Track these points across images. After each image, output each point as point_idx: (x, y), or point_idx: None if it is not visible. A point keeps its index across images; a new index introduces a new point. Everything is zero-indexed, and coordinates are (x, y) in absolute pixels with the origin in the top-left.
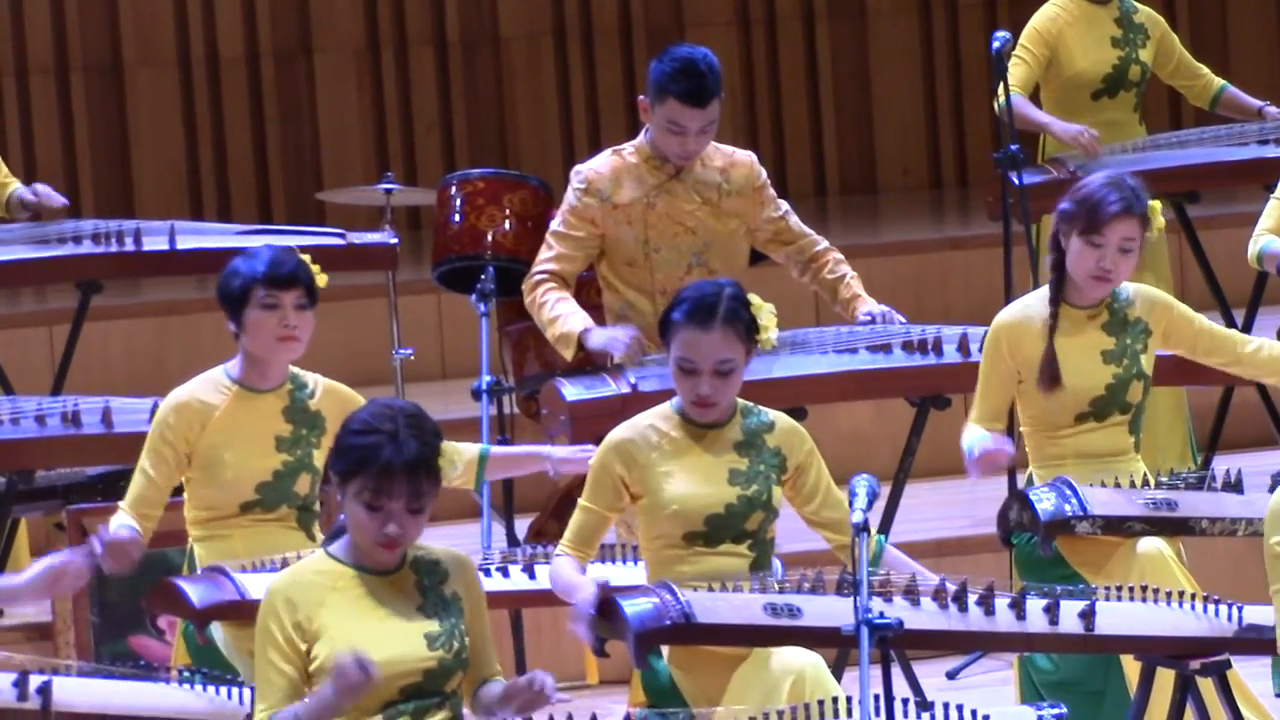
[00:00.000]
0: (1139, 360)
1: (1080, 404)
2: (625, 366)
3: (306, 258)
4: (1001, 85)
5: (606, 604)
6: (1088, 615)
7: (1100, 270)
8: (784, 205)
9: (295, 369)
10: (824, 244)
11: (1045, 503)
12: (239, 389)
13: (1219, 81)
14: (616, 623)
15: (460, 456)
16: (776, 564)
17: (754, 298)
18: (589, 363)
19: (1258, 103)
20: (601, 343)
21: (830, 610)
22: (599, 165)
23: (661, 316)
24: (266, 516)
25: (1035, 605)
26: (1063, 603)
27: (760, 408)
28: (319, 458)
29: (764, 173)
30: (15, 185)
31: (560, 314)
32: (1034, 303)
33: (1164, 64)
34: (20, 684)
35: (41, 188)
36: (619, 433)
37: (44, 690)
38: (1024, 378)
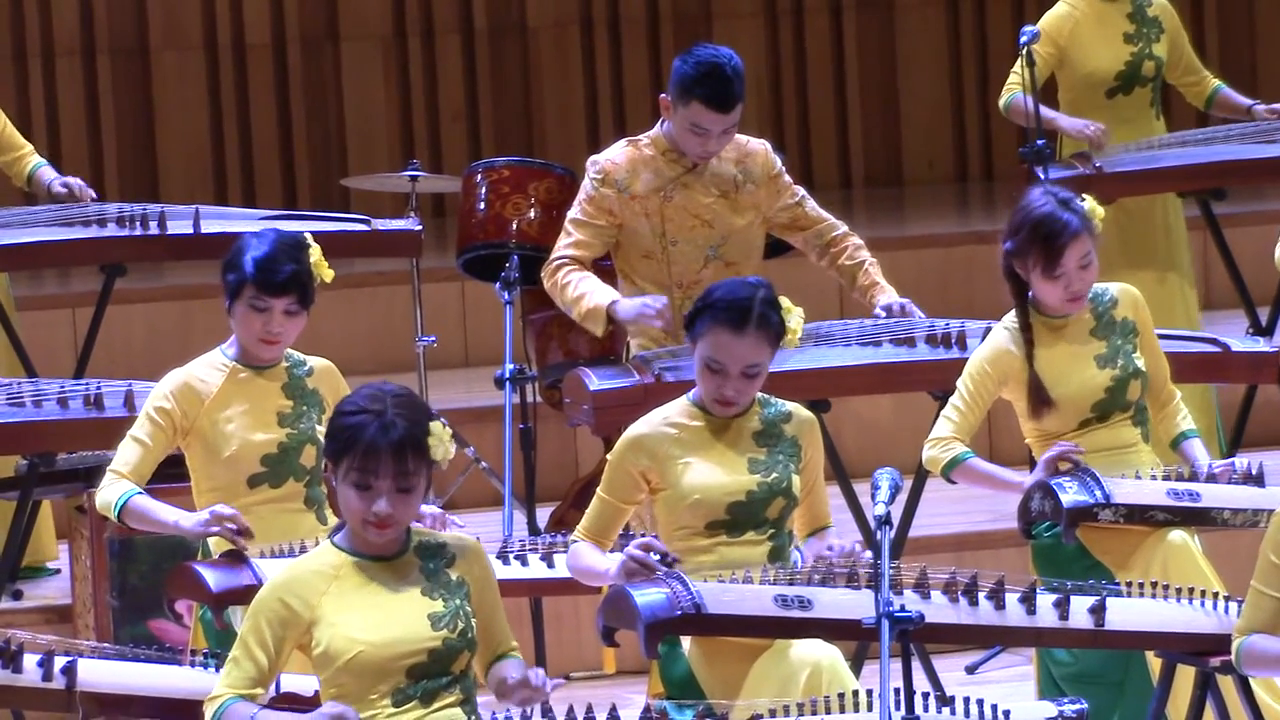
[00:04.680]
0: (1132, 359)
1: (1082, 411)
2: (659, 334)
3: (316, 251)
4: (1022, 82)
5: (617, 594)
6: (1098, 611)
7: (1069, 294)
8: (800, 191)
9: (290, 349)
10: (842, 229)
11: (1069, 491)
12: (236, 366)
13: (1215, 82)
14: (627, 612)
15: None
16: (797, 555)
17: (784, 301)
18: (613, 352)
19: (1247, 101)
20: (632, 313)
21: (841, 602)
22: (615, 156)
23: (692, 312)
24: (274, 492)
25: (1045, 600)
26: (1073, 598)
27: (776, 399)
28: (321, 432)
29: (779, 160)
30: (37, 160)
31: (585, 291)
32: (1013, 325)
33: (1175, 60)
34: (45, 664)
35: (74, 181)
36: (637, 428)
37: (68, 671)
38: (1017, 401)
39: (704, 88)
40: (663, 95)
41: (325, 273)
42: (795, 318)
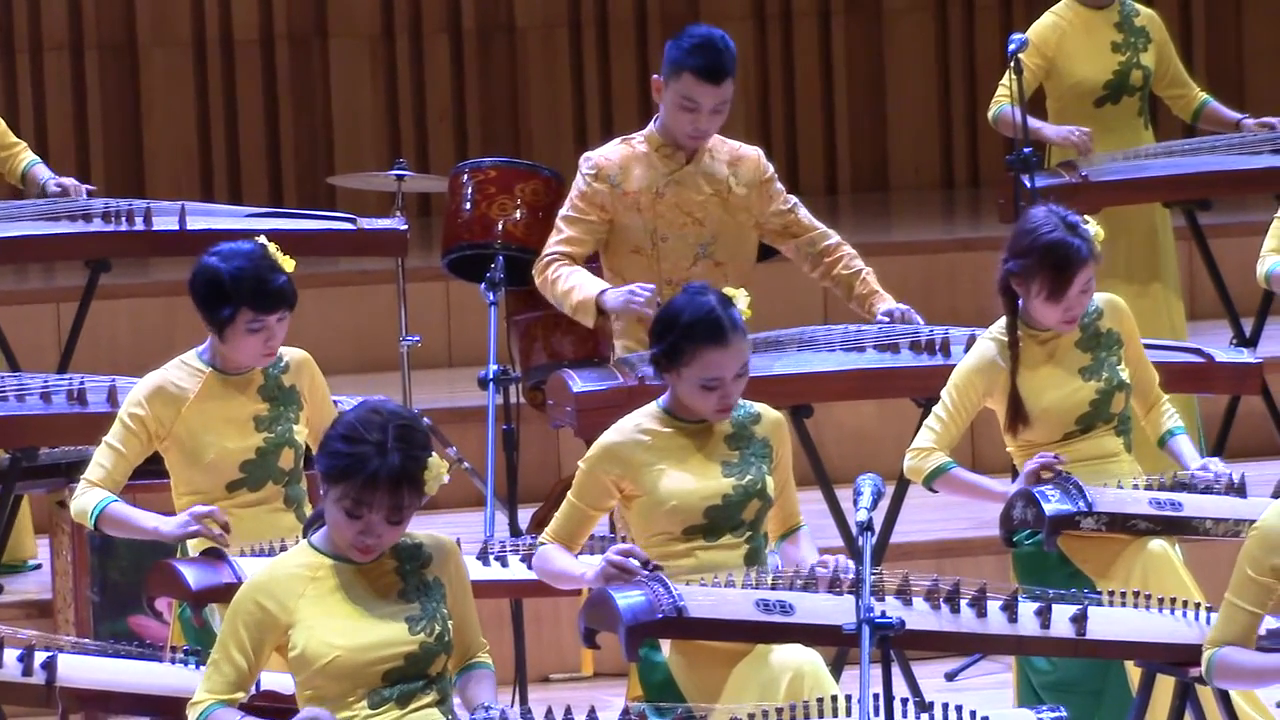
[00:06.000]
0: (1117, 371)
1: (1066, 424)
2: (645, 336)
3: (274, 249)
4: (1010, 92)
5: (599, 595)
6: (1079, 619)
7: (1067, 317)
8: (792, 199)
9: None
10: (835, 238)
11: (1051, 499)
12: (213, 372)
13: (1202, 96)
14: (608, 614)
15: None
16: (775, 560)
17: (728, 290)
18: (597, 354)
19: (1236, 115)
20: (620, 301)
21: (821, 608)
22: (608, 153)
23: (665, 346)
24: (253, 496)
25: (1027, 608)
26: (1055, 606)
27: (743, 401)
28: (299, 432)
29: (771, 166)
30: (31, 157)
31: (575, 284)
32: (1000, 338)
33: (1162, 71)
34: (25, 659)
35: (69, 181)
36: (609, 437)
37: (48, 666)
38: (1000, 412)
39: (695, 58)
40: (655, 77)
41: (287, 264)
42: (742, 300)
